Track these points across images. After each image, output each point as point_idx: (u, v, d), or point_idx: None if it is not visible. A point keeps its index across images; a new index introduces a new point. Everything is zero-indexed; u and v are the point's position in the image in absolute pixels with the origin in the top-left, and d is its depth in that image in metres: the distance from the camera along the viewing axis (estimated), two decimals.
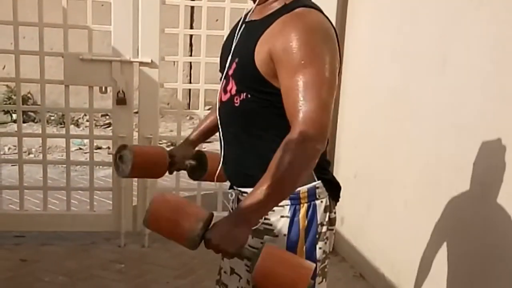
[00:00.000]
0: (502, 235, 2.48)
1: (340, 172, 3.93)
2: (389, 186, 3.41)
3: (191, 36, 7.82)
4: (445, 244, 2.82)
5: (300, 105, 1.54)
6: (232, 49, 1.75)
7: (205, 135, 2.10)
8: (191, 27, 7.63)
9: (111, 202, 4.08)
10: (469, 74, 2.70)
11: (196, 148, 2.12)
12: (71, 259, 3.72)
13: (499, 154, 2.47)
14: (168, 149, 2.08)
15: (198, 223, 1.57)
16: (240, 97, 1.69)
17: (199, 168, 2.07)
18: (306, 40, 1.57)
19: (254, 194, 1.55)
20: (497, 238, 2.51)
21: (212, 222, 1.62)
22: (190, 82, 7.88)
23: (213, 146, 2.71)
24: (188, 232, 1.58)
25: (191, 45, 7.93)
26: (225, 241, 1.55)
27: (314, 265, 1.56)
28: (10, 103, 6.72)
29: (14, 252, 3.75)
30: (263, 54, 1.62)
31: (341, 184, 1.84)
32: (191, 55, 7.73)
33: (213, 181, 2.00)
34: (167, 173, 2.06)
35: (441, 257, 2.82)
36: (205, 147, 4.23)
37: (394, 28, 3.41)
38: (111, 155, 3.99)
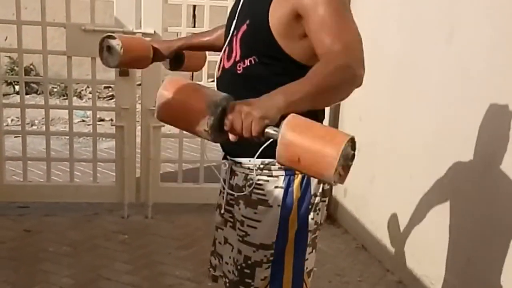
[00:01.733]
0: (506, 207, 2.48)
1: None
2: (393, 158, 3.40)
3: (194, 6, 7.75)
4: (447, 215, 2.82)
5: (338, 35, 1.49)
6: (238, 12, 1.72)
7: (192, 47, 2.11)
8: None
9: (114, 174, 4.09)
10: (475, 44, 2.68)
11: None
12: (74, 229, 3.74)
13: (504, 125, 2.46)
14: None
15: (220, 94, 1.43)
16: (244, 63, 1.66)
17: (176, 62, 2.14)
18: None
19: (290, 85, 1.41)
20: (500, 209, 2.52)
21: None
22: None
23: None
24: (210, 97, 1.40)
25: (194, 16, 7.87)
26: (254, 107, 1.34)
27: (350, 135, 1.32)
28: (12, 74, 6.71)
29: (18, 222, 3.78)
30: (282, 12, 1.56)
31: None
32: (194, 26, 7.67)
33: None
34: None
35: (444, 228, 2.83)
36: None
37: None
38: (114, 127, 3.99)
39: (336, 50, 1.47)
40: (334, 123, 3.99)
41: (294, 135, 1.29)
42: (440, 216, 2.88)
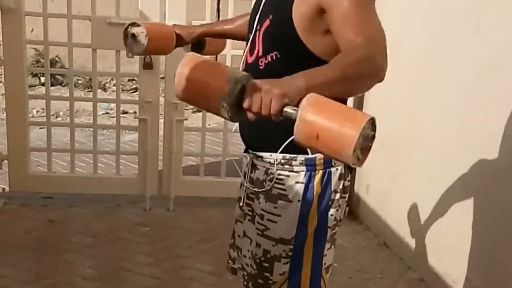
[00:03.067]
0: None
1: None
2: (416, 155, 3.37)
3: (218, 0, 7.76)
4: (470, 213, 2.79)
5: (361, 29, 1.47)
6: (261, 7, 1.70)
7: (214, 35, 2.12)
8: None
9: (137, 166, 4.12)
10: (502, 38, 2.63)
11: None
12: (97, 221, 3.78)
13: None
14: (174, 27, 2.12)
15: (240, 71, 1.42)
16: (266, 59, 1.66)
17: (197, 47, 2.14)
18: None
19: (313, 70, 1.40)
20: None
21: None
22: None
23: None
24: (230, 73, 1.35)
25: (218, 9, 7.87)
26: (275, 85, 1.32)
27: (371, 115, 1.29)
28: (38, 66, 6.78)
29: (42, 213, 3.82)
30: (306, 7, 1.56)
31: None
32: (218, 20, 7.68)
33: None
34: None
35: (467, 226, 2.80)
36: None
37: None
38: (137, 120, 4.02)
39: (359, 43, 1.45)
40: None
41: (314, 111, 1.27)
42: (463, 214, 2.85)
